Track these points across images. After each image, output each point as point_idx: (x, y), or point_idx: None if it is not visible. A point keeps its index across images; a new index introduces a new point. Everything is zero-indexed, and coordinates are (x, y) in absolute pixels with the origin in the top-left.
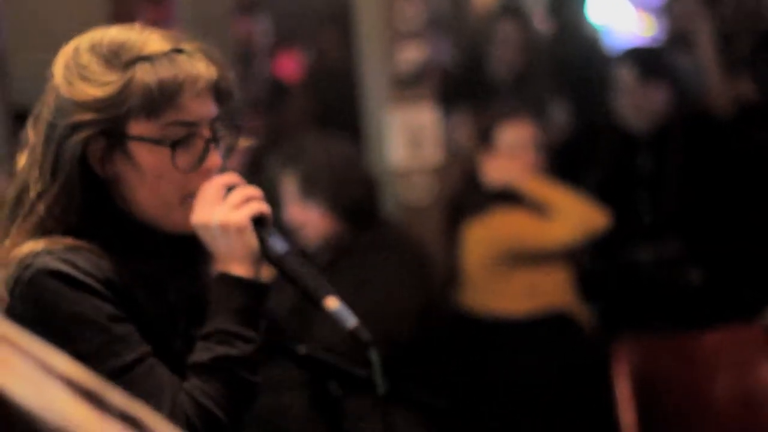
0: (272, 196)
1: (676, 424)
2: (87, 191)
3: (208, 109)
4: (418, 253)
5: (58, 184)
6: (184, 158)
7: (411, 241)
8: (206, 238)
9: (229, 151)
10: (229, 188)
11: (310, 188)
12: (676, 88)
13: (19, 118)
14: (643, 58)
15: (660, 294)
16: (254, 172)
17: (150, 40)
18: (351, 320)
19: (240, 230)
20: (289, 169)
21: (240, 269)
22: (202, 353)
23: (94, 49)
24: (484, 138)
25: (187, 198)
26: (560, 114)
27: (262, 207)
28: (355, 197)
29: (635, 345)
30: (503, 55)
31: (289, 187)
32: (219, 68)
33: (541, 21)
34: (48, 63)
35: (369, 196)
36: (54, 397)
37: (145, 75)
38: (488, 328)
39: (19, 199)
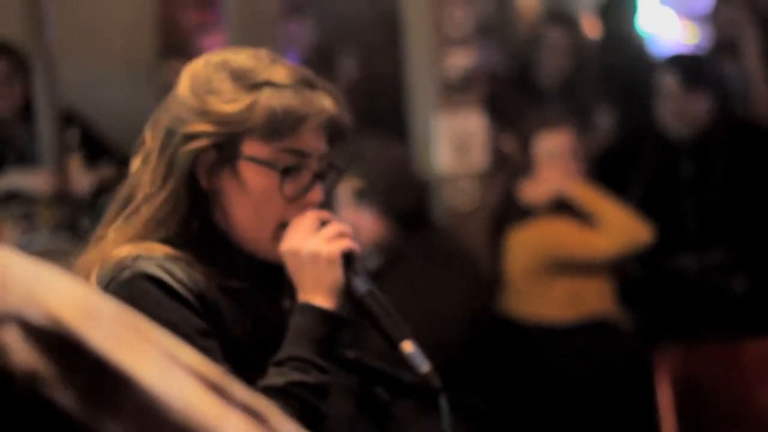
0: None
1: None
2: (191, 201)
3: (322, 144)
4: (469, 258)
5: (167, 189)
6: (290, 186)
7: (462, 246)
8: (293, 265)
9: (330, 189)
10: (323, 223)
11: (364, 193)
12: (719, 96)
13: (67, 119)
14: (686, 65)
15: (704, 302)
16: None
17: (278, 69)
18: (425, 365)
19: (330, 262)
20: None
21: (323, 300)
22: (276, 378)
23: (224, 66)
24: (524, 146)
25: (281, 227)
26: (606, 120)
27: (352, 245)
28: (408, 202)
29: (678, 352)
30: (551, 62)
31: (344, 191)
32: (339, 107)
33: (589, 27)
34: (95, 65)
35: (421, 200)
36: (179, 383)
37: (272, 99)
38: (530, 334)
39: (127, 201)
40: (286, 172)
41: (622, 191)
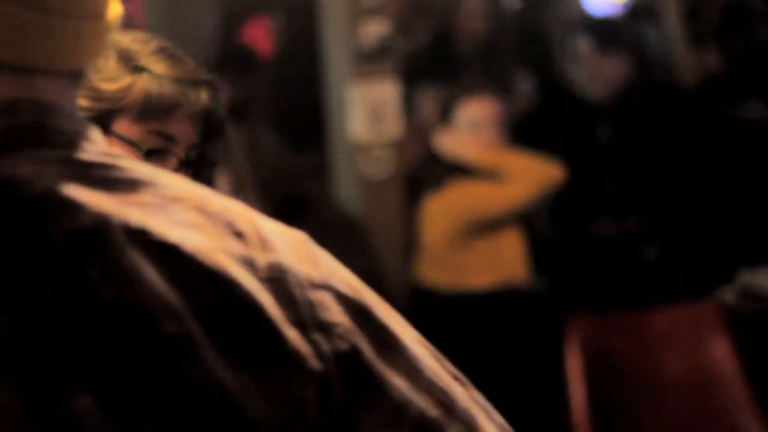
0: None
1: (627, 400)
2: None
3: (192, 134)
4: (350, 226)
5: None
6: None
7: (344, 217)
8: None
9: (207, 181)
10: None
11: (240, 187)
12: (636, 59)
13: None
14: (600, 29)
15: (617, 268)
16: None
17: (161, 60)
18: None
19: None
20: (219, 168)
21: None
22: None
23: (113, 45)
24: (446, 115)
25: None
26: (525, 85)
27: None
28: (286, 188)
29: (588, 320)
30: (468, 28)
31: (222, 186)
32: (216, 104)
33: None
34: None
35: (299, 184)
36: (421, 348)
37: (149, 84)
38: (447, 301)
39: None
40: (150, 154)
41: (541, 155)
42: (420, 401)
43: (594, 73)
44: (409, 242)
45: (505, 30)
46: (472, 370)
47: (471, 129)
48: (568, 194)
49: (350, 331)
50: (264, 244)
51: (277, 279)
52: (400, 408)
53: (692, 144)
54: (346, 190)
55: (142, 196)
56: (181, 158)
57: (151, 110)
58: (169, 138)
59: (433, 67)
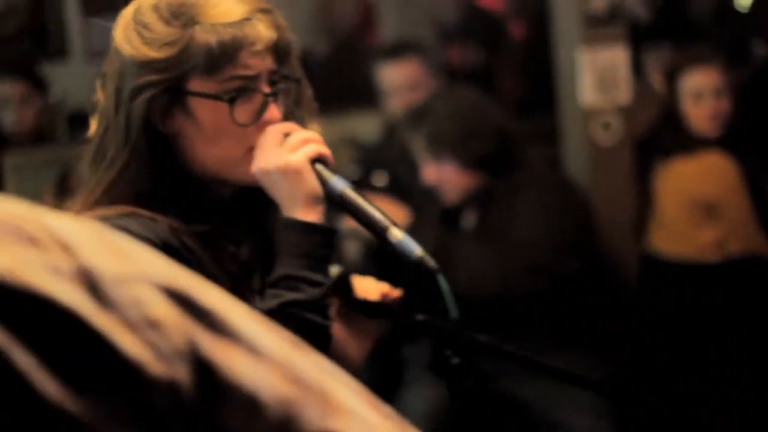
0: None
1: None
2: (154, 150)
3: (267, 63)
4: (564, 186)
5: (130, 146)
6: (243, 112)
7: (555, 176)
8: (267, 184)
9: (297, 104)
10: (287, 135)
11: (437, 147)
12: None
13: None
14: None
15: None
16: None
17: (208, 4)
18: (416, 249)
19: (298, 172)
20: (415, 129)
21: (304, 213)
22: (270, 300)
23: (155, 9)
24: (670, 83)
25: (251, 151)
26: (762, 49)
27: (320, 148)
28: (487, 148)
29: None
30: None
31: (418, 147)
32: (279, 30)
33: None
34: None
35: (502, 143)
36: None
37: (205, 35)
38: (680, 272)
39: (91, 167)
40: (234, 99)
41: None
42: (271, 381)
43: None
44: (638, 210)
45: None
46: (703, 346)
47: (693, 99)
48: None
49: (181, 323)
50: (64, 247)
51: (91, 283)
52: (253, 394)
53: None
54: (575, 155)
55: None
56: (266, 92)
57: (217, 59)
58: (246, 77)
59: (665, 30)
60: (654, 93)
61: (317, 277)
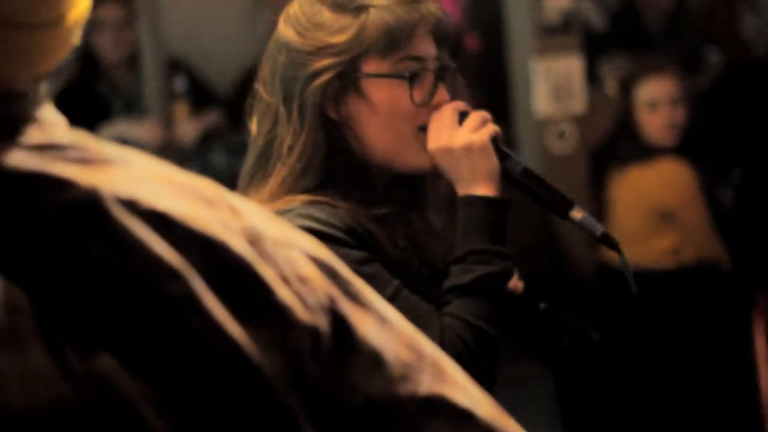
0: None
1: None
2: (328, 136)
3: (432, 47)
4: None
5: (305, 134)
6: (417, 92)
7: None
8: (447, 162)
9: (452, 88)
10: (461, 114)
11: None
12: None
13: (173, 66)
14: None
15: None
16: None
17: None
18: (598, 227)
19: (483, 150)
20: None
21: (485, 189)
22: (462, 276)
23: (320, 0)
24: (624, 92)
25: (420, 131)
26: (714, 58)
27: (496, 128)
28: None
29: None
30: (653, 2)
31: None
32: (442, 11)
33: None
34: (199, 12)
35: None
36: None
37: (381, 15)
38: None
39: (262, 162)
40: (412, 79)
41: (727, 130)
42: (394, 345)
43: None
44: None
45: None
46: (659, 350)
47: (649, 108)
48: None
49: (324, 283)
50: (233, 209)
51: (254, 240)
52: (378, 352)
53: None
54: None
55: (119, 172)
56: (436, 73)
57: (395, 39)
58: (419, 58)
59: (618, 40)
60: (609, 102)
61: (504, 249)
